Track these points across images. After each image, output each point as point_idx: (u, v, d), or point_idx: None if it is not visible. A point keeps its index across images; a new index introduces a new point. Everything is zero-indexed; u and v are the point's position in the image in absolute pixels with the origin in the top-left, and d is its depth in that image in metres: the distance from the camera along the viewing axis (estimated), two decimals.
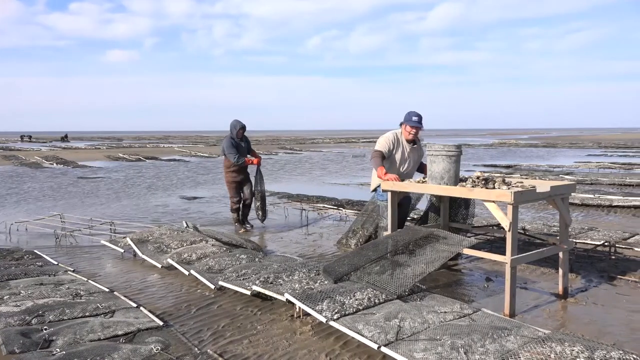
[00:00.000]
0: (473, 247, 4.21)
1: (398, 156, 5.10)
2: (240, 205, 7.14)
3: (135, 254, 5.81)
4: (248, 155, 7.10)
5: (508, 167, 18.84)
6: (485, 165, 19.82)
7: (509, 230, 3.88)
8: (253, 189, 7.11)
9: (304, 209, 8.66)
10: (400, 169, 5.11)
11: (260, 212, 7.16)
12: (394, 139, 5.09)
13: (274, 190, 11.89)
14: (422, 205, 6.87)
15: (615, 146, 35.71)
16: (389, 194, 4.82)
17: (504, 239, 5.20)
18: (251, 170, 7.37)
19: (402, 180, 5.03)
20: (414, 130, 5.08)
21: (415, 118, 5.06)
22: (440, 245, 4.24)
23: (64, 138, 54.22)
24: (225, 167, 7.02)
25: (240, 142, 6.98)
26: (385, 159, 5.08)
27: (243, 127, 6.95)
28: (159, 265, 5.29)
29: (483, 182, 4.16)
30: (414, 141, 5.17)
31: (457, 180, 4.38)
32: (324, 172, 17.49)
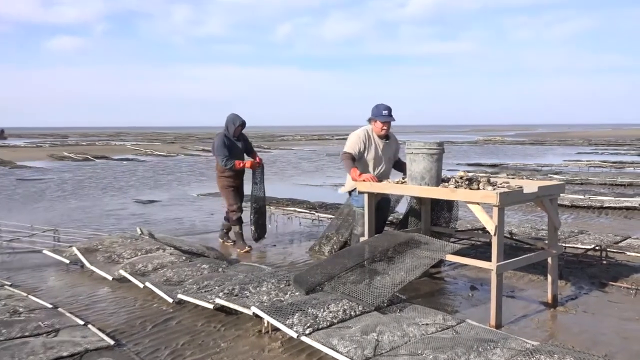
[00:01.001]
0: (456, 253, 4.26)
1: (372, 155, 5.14)
2: (241, 215, 6.49)
3: (82, 265, 5.69)
4: (248, 158, 6.53)
5: (493, 166, 19.19)
6: (469, 164, 20.14)
7: (494, 235, 3.94)
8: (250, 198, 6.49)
9: (273, 213, 8.63)
10: (376, 169, 5.15)
11: (253, 228, 6.49)
12: (364, 137, 5.12)
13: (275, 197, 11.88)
14: (401, 208, 6.92)
15: (606, 143, 36.80)
16: (366, 196, 4.85)
17: (489, 244, 5.27)
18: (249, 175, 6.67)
19: (380, 180, 5.07)
20: (386, 126, 5.14)
21: (385, 112, 5.11)
22: (421, 252, 4.27)
23: (1, 134, 52.69)
24: (218, 170, 6.47)
25: (236, 142, 6.42)
26: (358, 160, 5.11)
27: (242, 124, 6.36)
28: (110, 278, 5.20)
29: (467, 183, 4.22)
30: (386, 136, 5.22)
31: (439, 180, 4.43)
32: (295, 173, 17.49)
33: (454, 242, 5.41)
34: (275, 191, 12.25)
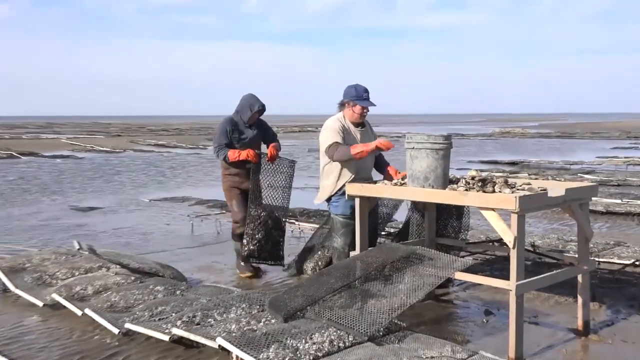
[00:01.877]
0: (468, 270, 4.29)
1: (350, 144, 5.16)
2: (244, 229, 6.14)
3: (5, 289, 5.62)
4: (264, 152, 6.10)
5: (512, 163, 19.37)
6: (483, 162, 20.29)
7: (513, 247, 3.98)
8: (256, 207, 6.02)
9: None
10: (359, 166, 5.16)
11: (248, 247, 5.97)
12: (340, 128, 5.14)
13: (203, 198, 11.82)
14: (400, 216, 6.96)
15: None
16: (357, 201, 4.87)
17: (507, 259, 5.31)
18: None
19: (363, 178, 5.10)
20: (367, 110, 5.19)
21: (365, 94, 5.16)
22: (424, 269, 4.29)
23: None
24: (222, 166, 6.13)
25: (248, 129, 6.06)
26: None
27: (260, 109, 6.01)
28: (40, 304, 5.15)
29: (480, 184, 4.25)
30: (362, 123, 5.26)
31: (446, 181, 4.45)
32: None
33: (464, 257, 5.44)
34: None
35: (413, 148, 4.45)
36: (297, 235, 8.11)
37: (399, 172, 5.17)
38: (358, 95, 5.13)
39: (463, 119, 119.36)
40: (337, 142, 5.05)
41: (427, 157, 4.40)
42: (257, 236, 5.99)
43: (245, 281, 6.06)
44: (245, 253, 6.04)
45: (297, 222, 8.61)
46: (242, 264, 6.22)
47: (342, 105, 5.22)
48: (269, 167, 6.04)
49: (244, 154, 5.90)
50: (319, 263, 6.05)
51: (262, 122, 6.22)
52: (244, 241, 6.02)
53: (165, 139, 36.65)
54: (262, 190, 6.03)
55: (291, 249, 7.33)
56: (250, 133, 6.10)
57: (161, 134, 45.42)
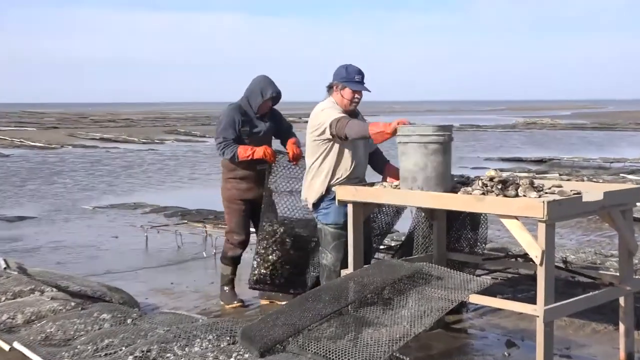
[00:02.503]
0: (485, 291, 4.30)
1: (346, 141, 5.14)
2: (242, 253, 6.11)
3: None
4: (282, 148, 5.97)
5: (539, 161, 19.46)
6: (503, 159, 20.39)
7: (541, 264, 3.99)
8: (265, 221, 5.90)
9: (210, 234, 8.63)
10: (354, 161, 5.15)
11: (258, 271, 5.92)
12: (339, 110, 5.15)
13: (159, 205, 11.82)
14: (402, 226, 6.97)
15: None
16: (350, 207, 4.88)
17: (533, 279, 5.32)
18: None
19: (358, 178, 5.12)
20: (359, 96, 5.18)
21: (358, 77, 5.15)
22: (433, 291, 4.30)
23: None
24: (224, 167, 5.96)
25: (259, 120, 5.91)
26: (328, 150, 5.10)
27: (275, 97, 5.87)
28: None
29: (500, 187, 4.27)
30: (354, 112, 5.27)
31: (445, 182, 4.49)
32: None
33: (481, 276, 5.46)
34: (212, 201, 12.20)
35: (400, 142, 4.52)
36: None
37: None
38: (348, 77, 5.12)
39: (480, 107, 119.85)
40: (344, 117, 5.01)
41: (414, 153, 4.44)
42: (270, 257, 5.89)
43: (212, 308, 6.06)
44: (254, 278, 5.92)
45: None
46: (227, 290, 6.13)
47: (330, 89, 5.21)
48: (287, 169, 5.88)
49: (259, 151, 5.71)
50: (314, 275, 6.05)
51: (275, 112, 6.04)
52: (254, 263, 5.92)
53: (112, 132, 36.58)
54: (279, 199, 5.91)
55: None
56: (263, 126, 5.91)
57: (107, 125, 45.27)
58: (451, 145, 4.55)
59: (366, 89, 5.18)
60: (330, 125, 4.95)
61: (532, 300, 4.14)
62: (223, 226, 9.31)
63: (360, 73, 5.15)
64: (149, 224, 9.68)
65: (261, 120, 5.92)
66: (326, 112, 5.06)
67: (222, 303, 6.17)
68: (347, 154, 5.09)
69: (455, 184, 4.57)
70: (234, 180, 5.90)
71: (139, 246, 8.66)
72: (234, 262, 6.07)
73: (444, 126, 4.52)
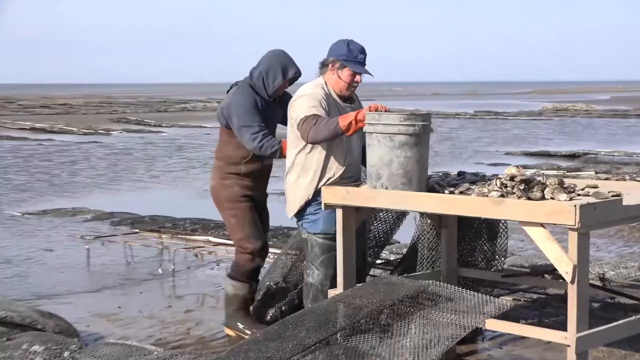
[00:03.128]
0: (505, 316, 4.32)
1: None
2: (263, 263, 6.15)
3: None
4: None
5: (571, 156, 19.56)
6: (527, 154, 20.45)
7: (572, 282, 4.01)
8: None
9: (166, 247, 8.62)
10: (347, 156, 5.15)
11: (277, 309, 6.11)
12: (323, 97, 5.10)
13: (104, 210, 11.80)
14: (403, 236, 6.98)
15: None
16: (339, 213, 4.89)
17: (563, 299, 5.33)
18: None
19: (352, 178, 5.14)
20: (359, 80, 5.17)
21: (361, 56, 5.15)
22: (440, 315, 4.31)
23: None
24: (223, 160, 5.97)
25: (274, 105, 5.95)
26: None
27: (295, 76, 5.89)
28: None
29: (522, 187, 4.29)
30: (351, 97, 5.27)
31: (416, 181, 4.57)
32: (208, 171, 17.47)
33: (500, 296, 5.48)
34: (169, 206, 12.27)
35: (366, 132, 4.63)
36: None
37: None
38: (350, 55, 5.10)
39: (500, 90, 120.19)
40: (315, 115, 5.01)
41: (379, 146, 4.53)
42: (291, 292, 6.13)
43: (170, 337, 6.04)
44: (269, 317, 5.98)
45: None
46: (242, 314, 5.96)
47: (324, 66, 5.20)
48: None
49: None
50: (283, 308, 6.06)
51: (286, 96, 5.91)
52: (258, 287, 6.07)
53: (46, 120, 36.39)
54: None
55: None
56: (278, 114, 5.93)
57: (40, 112, 45.08)
58: (427, 137, 4.60)
59: (367, 72, 5.17)
60: (298, 127, 5.01)
61: (562, 327, 4.15)
62: (183, 236, 9.31)
63: (363, 52, 5.15)
64: (92, 234, 9.66)
65: (275, 106, 5.91)
66: (300, 103, 5.06)
67: (229, 331, 6.05)
68: (338, 147, 5.09)
69: (434, 185, 4.65)
70: (235, 176, 5.84)
71: (79, 262, 8.63)
72: (253, 277, 5.94)
73: (416, 115, 4.57)
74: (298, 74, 5.85)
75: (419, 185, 4.55)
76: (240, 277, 5.91)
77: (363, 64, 5.15)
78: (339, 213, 4.87)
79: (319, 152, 5.07)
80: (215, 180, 5.94)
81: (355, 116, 4.79)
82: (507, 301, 4.46)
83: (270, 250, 8.54)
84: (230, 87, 5.95)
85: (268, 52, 5.87)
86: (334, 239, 5.04)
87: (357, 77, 5.14)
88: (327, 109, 5.04)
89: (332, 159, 5.08)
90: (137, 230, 9.75)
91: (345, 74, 5.11)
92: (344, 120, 4.81)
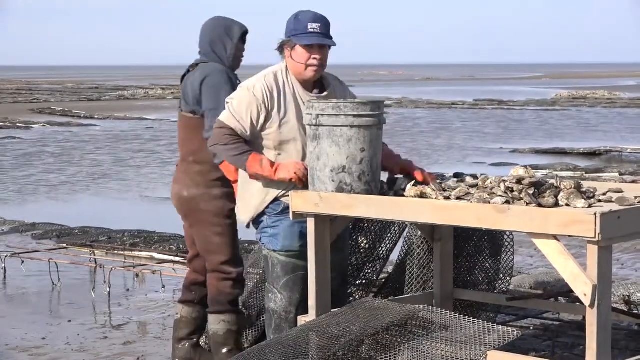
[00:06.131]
0: (511, 346, 4.34)
1: (291, 125, 5.11)
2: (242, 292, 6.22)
3: None
4: None
5: (591, 154, 19.66)
6: (538, 152, 20.56)
7: (591, 306, 4.04)
8: None
9: (100, 265, 8.60)
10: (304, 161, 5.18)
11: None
12: (267, 93, 5.06)
13: (24, 221, 11.79)
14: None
15: None
16: (311, 224, 4.91)
17: (580, 327, 5.36)
18: None
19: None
20: (318, 56, 5.14)
21: (313, 26, 5.10)
22: (434, 346, 4.33)
23: None
24: (206, 163, 5.85)
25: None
26: (252, 143, 5.12)
27: (242, 32, 5.97)
28: None
29: (532, 192, 4.32)
30: (320, 83, 5.26)
31: (376, 184, 4.68)
32: (149, 172, 17.53)
33: (505, 324, 5.52)
34: (104, 216, 12.30)
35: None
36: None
37: (430, 175, 5.17)
38: (298, 29, 5.09)
39: (505, 74, 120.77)
40: (231, 129, 4.99)
41: (310, 140, 4.82)
42: (252, 319, 6.19)
43: None
44: (225, 350, 5.92)
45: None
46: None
47: (281, 52, 5.19)
48: None
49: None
50: (246, 338, 6.09)
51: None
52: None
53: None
54: None
55: None
56: None
57: None
58: (356, 131, 4.68)
59: (326, 42, 5.12)
60: (214, 128, 5.15)
61: (580, 359, 4.19)
62: (120, 252, 9.28)
63: (317, 20, 5.07)
64: (9, 249, 9.63)
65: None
66: (233, 99, 5.12)
67: None
68: (288, 146, 5.12)
69: (384, 187, 4.81)
70: (223, 185, 5.80)
71: None
72: (236, 304, 5.93)
73: (370, 102, 4.74)
74: (243, 27, 5.89)
75: (374, 187, 4.73)
76: (229, 307, 5.85)
77: (322, 34, 5.08)
78: (311, 223, 4.88)
79: (273, 155, 5.09)
80: (195, 189, 5.81)
81: (270, 172, 4.94)
82: (513, 329, 4.49)
83: None
84: (188, 70, 5.89)
85: (203, 26, 5.91)
86: (299, 256, 5.08)
87: (315, 54, 5.08)
88: (269, 108, 5.07)
89: (293, 157, 5.11)
90: (64, 245, 9.72)
91: (299, 53, 5.08)
92: (253, 163, 4.97)
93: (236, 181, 5.50)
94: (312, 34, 5.06)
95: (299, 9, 5.34)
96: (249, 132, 5.03)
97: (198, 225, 5.88)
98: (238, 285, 5.87)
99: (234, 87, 5.60)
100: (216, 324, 5.83)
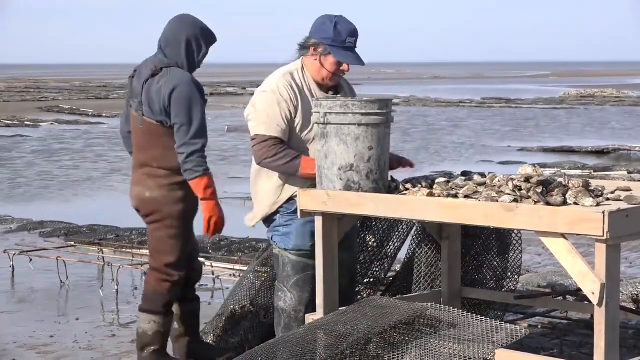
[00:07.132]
0: (519, 345, 4.34)
1: (309, 126, 5.09)
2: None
3: None
4: None
5: (599, 153, 19.59)
6: (546, 150, 20.47)
7: (599, 304, 4.04)
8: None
9: (108, 263, 8.60)
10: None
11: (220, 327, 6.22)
12: (292, 93, 5.02)
13: (32, 219, 11.83)
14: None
15: None
16: (319, 222, 4.91)
17: (588, 326, 5.35)
18: None
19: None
20: (346, 68, 5.12)
21: (351, 41, 5.12)
22: (441, 344, 4.33)
23: None
24: (166, 169, 5.80)
25: None
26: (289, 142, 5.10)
27: (214, 40, 5.92)
28: None
29: (540, 191, 4.31)
30: (335, 86, 5.26)
31: (384, 182, 4.68)
32: None
33: (513, 322, 5.51)
34: (112, 214, 12.34)
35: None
36: (204, 288, 8.15)
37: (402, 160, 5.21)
38: (337, 39, 5.07)
39: (513, 72, 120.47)
40: (274, 140, 4.98)
41: (318, 139, 4.80)
42: (260, 317, 6.15)
43: None
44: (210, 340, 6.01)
45: (208, 263, 8.61)
46: (164, 356, 5.91)
47: (304, 49, 5.17)
48: None
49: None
50: (249, 336, 6.08)
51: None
52: (219, 311, 6.14)
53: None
54: None
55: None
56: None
57: None
58: (364, 130, 4.68)
59: (359, 63, 5.14)
60: (253, 145, 5.10)
61: (588, 358, 4.18)
62: (128, 250, 9.28)
63: (354, 34, 5.10)
64: (17, 247, 9.62)
65: None
66: (255, 109, 5.11)
67: None
68: (310, 152, 5.12)
69: (392, 185, 4.81)
70: (182, 188, 5.74)
71: (2, 281, 8.65)
72: (170, 307, 5.87)
73: (376, 100, 4.73)
74: (215, 37, 5.81)
75: (383, 185, 4.74)
76: (162, 309, 5.82)
77: (353, 50, 5.11)
78: (319, 222, 4.89)
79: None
80: (158, 190, 5.78)
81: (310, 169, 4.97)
82: (521, 328, 4.49)
83: (236, 267, 8.58)
84: (152, 75, 5.66)
85: (175, 22, 5.74)
86: (309, 256, 5.08)
87: (344, 66, 5.13)
88: (293, 105, 5.04)
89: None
90: (72, 243, 9.72)
91: (330, 62, 5.08)
92: (305, 165, 4.99)
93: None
94: (350, 51, 5.11)
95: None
96: (288, 133, 5.08)
97: (155, 225, 5.87)
98: (176, 289, 5.82)
99: (204, 99, 5.63)
100: (146, 323, 5.80)
